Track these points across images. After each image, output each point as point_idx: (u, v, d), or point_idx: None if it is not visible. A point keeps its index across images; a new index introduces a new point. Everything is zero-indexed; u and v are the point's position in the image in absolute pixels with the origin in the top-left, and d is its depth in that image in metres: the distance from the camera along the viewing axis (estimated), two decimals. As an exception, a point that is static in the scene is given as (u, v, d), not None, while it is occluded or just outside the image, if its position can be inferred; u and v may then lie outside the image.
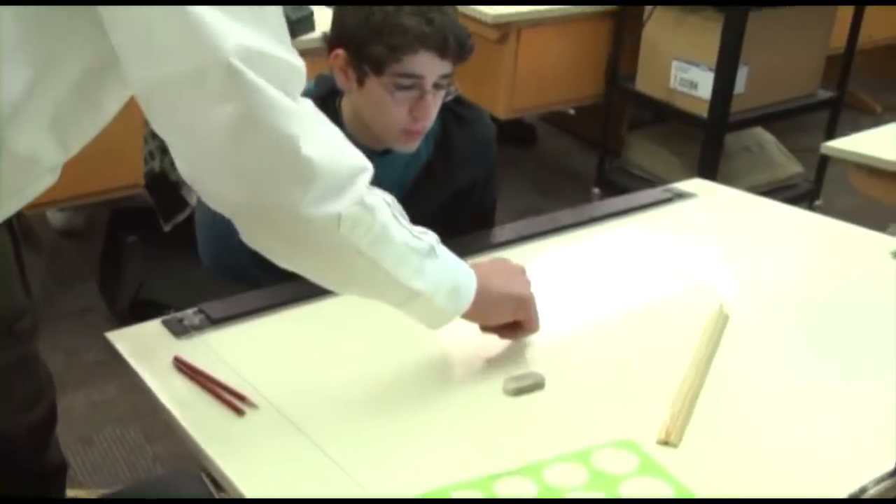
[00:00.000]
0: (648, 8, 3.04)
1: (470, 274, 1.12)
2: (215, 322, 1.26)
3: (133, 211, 2.63)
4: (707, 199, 1.71)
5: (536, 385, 1.10)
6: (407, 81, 1.42)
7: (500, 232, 1.60)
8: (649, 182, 3.29)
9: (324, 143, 0.95)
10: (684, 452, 0.98)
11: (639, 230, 1.58)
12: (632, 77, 3.22)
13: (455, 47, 1.43)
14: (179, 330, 1.25)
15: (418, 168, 1.60)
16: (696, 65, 2.97)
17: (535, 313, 1.17)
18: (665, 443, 0.98)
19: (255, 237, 1.00)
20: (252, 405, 1.08)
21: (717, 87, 2.90)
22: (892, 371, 1.15)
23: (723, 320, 1.23)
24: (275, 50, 0.90)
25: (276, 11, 0.93)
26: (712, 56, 2.90)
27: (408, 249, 1.03)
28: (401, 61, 1.41)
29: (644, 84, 3.19)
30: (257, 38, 0.89)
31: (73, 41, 0.94)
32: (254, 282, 1.48)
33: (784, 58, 3.07)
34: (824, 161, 3.34)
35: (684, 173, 3.28)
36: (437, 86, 1.46)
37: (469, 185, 1.66)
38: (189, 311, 1.28)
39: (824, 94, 3.28)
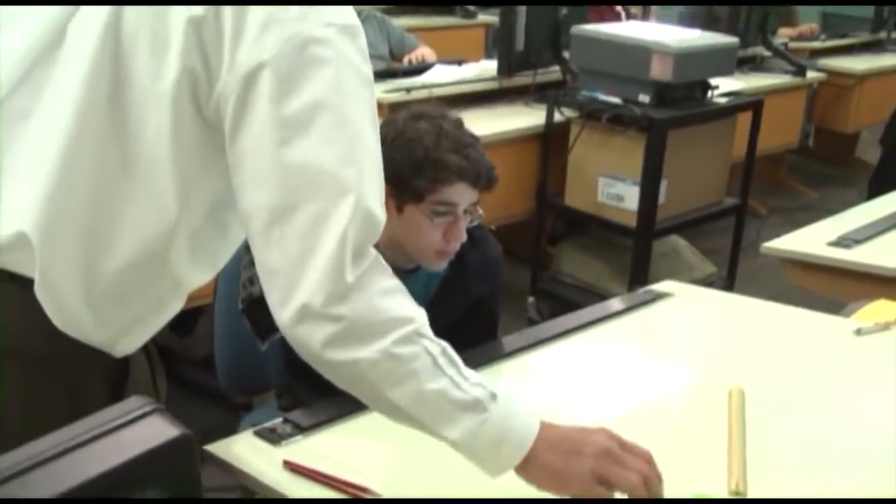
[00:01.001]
0: (575, 130, 3.36)
1: (527, 435, 1.09)
2: (305, 430, 1.42)
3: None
4: (683, 297, 1.96)
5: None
6: (443, 208, 1.64)
7: (511, 340, 1.78)
8: (581, 290, 3.57)
9: (366, 295, 1.04)
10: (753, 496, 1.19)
11: (639, 326, 1.81)
12: (560, 193, 3.52)
13: (485, 179, 1.66)
14: (275, 438, 1.39)
15: (438, 283, 1.81)
16: (622, 180, 3.29)
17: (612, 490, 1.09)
18: (736, 493, 1.19)
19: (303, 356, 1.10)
20: (375, 494, 1.23)
21: (644, 198, 3.22)
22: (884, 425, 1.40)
23: (741, 392, 1.45)
24: (375, 208, 1.06)
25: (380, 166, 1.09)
26: (637, 171, 3.22)
27: (441, 399, 1.06)
28: (439, 191, 1.63)
29: (572, 199, 3.49)
30: (366, 192, 1.05)
31: (213, 178, 1.12)
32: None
33: (696, 170, 3.43)
34: (735, 260, 3.71)
35: (613, 279, 3.58)
36: (467, 211, 1.68)
37: (479, 298, 1.86)
38: (277, 422, 1.44)
39: (730, 201, 3.66)
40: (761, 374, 1.56)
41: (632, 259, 3.32)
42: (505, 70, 3.59)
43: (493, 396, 1.08)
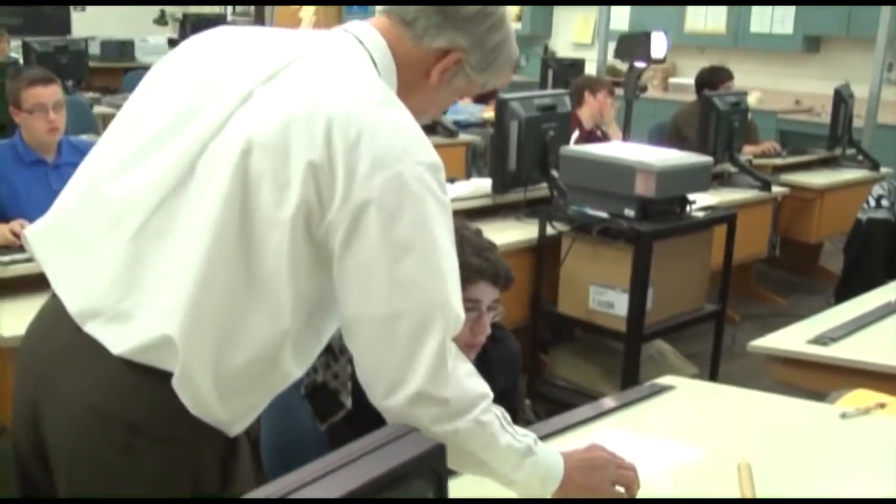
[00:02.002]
0: (566, 243, 3.64)
1: (559, 467, 1.46)
2: None
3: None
4: (683, 390, 2.20)
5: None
6: (469, 305, 1.88)
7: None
8: (576, 392, 3.80)
9: (458, 379, 1.33)
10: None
11: (650, 414, 2.04)
12: (553, 301, 3.78)
13: (504, 278, 1.91)
14: None
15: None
16: (612, 288, 3.56)
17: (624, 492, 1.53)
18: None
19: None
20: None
21: (633, 305, 3.48)
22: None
23: (748, 465, 1.68)
24: (457, 309, 1.33)
25: (458, 275, 1.36)
26: (625, 280, 3.49)
27: (510, 450, 1.39)
28: (465, 290, 1.87)
29: (565, 307, 3.74)
30: (450, 298, 1.32)
31: (315, 289, 1.36)
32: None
33: (679, 278, 3.71)
34: (716, 362, 3.97)
35: (604, 381, 3.82)
36: (489, 308, 1.92)
37: (503, 390, 2.09)
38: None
39: (710, 307, 3.94)
40: (763, 453, 1.78)
41: (623, 362, 3.56)
42: (499, 187, 3.90)
43: (535, 441, 1.44)
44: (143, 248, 1.34)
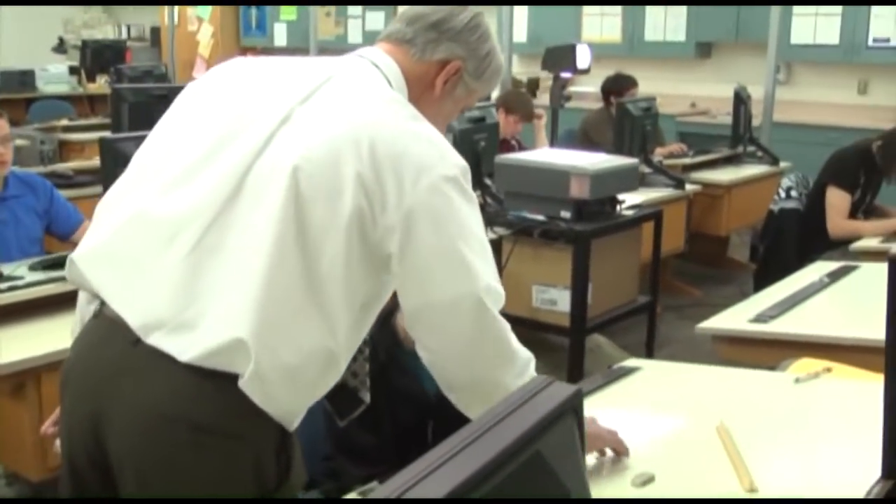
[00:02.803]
0: (507, 247, 3.84)
1: None
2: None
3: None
4: (650, 371, 2.40)
5: (651, 479, 1.70)
6: None
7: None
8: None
9: (517, 342, 1.57)
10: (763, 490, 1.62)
11: (625, 392, 2.24)
12: (496, 303, 3.96)
13: None
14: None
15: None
16: (554, 286, 3.78)
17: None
18: (751, 490, 1.61)
19: (460, 398, 1.58)
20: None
21: (575, 301, 3.71)
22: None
23: (726, 428, 1.89)
24: (499, 287, 1.52)
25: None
26: (566, 278, 3.71)
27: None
28: None
29: (509, 306, 3.91)
30: (493, 278, 1.51)
31: (367, 287, 1.52)
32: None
33: (614, 273, 3.95)
34: (650, 350, 4.23)
35: (549, 374, 4.02)
36: None
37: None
38: (373, 484, 1.79)
39: (643, 299, 4.19)
40: (735, 418, 1.99)
41: (569, 355, 3.78)
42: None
43: None
44: (200, 263, 1.46)
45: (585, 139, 6.02)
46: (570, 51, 5.06)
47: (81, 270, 1.57)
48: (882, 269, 3.38)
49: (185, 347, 1.44)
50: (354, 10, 10.64)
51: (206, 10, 11.48)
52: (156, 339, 1.46)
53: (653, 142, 5.45)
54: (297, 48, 10.52)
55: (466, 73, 1.66)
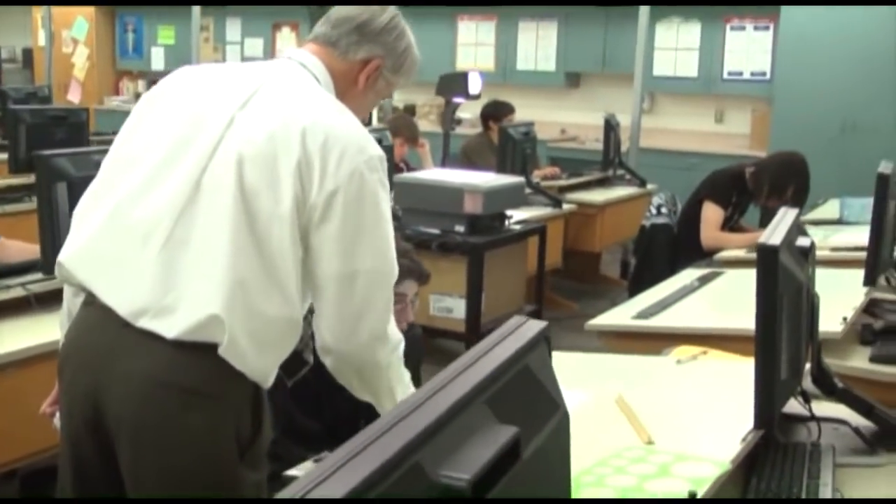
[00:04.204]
0: (407, 259, 4.11)
1: None
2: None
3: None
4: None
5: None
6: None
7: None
8: (420, 390, 4.25)
9: (393, 324, 1.83)
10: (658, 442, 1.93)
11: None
12: (395, 312, 4.22)
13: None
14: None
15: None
16: (450, 295, 4.06)
17: None
18: (649, 442, 1.92)
19: (335, 363, 1.82)
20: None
21: (470, 308, 4.00)
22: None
23: (622, 399, 2.20)
24: (395, 266, 1.80)
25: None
26: (461, 287, 4.01)
27: (406, 381, 1.91)
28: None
29: (408, 316, 4.20)
30: (393, 258, 1.78)
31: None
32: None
33: (504, 283, 4.26)
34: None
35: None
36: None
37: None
38: (325, 453, 2.02)
39: (529, 307, 4.52)
40: (631, 394, 2.31)
41: (465, 358, 4.05)
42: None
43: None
44: (172, 256, 1.69)
45: (466, 162, 6.35)
46: (462, 78, 5.39)
47: (70, 270, 1.77)
48: (743, 274, 3.81)
49: (170, 326, 1.66)
50: (233, 35, 10.78)
51: (81, 32, 11.39)
52: (144, 323, 1.68)
53: (532, 164, 5.83)
54: (176, 72, 10.57)
55: (386, 69, 1.91)
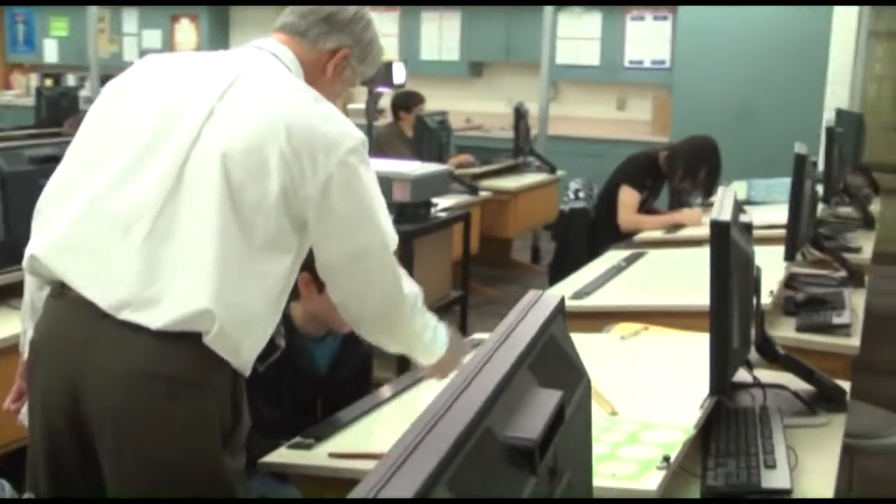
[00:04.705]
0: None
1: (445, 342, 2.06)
2: (321, 439, 2.06)
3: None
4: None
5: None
6: None
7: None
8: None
9: (408, 281, 1.92)
10: (622, 414, 2.03)
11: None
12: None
13: None
14: (307, 446, 2.02)
15: (341, 340, 2.50)
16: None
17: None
18: (613, 413, 2.03)
19: (368, 329, 1.91)
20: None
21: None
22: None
23: (581, 375, 2.30)
24: (394, 233, 1.87)
25: None
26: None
27: (431, 328, 2.01)
28: None
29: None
30: (391, 227, 1.86)
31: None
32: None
33: (432, 269, 4.34)
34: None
35: (382, 368, 4.35)
36: None
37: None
38: (297, 439, 2.06)
39: (455, 293, 4.61)
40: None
41: (398, 345, 4.12)
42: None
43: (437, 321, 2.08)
44: (154, 249, 1.70)
45: (378, 152, 6.39)
46: (387, 67, 5.43)
47: (44, 262, 1.75)
48: (665, 253, 3.97)
49: (154, 318, 1.67)
50: (130, 27, 10.54)
51: (-33, 24, 10.97)
52: (126, 315, 1.68)
53: (447, 152, 5.92)
54: (70, 65, 10.28)
55: (353, 59, 1.96)
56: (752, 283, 2.17)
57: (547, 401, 1.01)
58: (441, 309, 4.53)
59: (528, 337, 1.09)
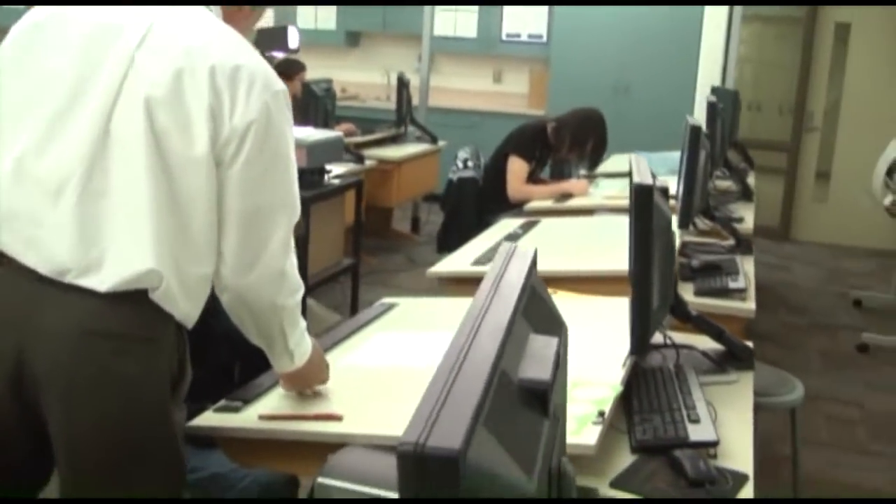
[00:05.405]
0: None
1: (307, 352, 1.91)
2: (249, 401, 2.02)
3: None
4: (406, 305, 2.80)
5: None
6: None
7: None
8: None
9: (293, 264, 1.83)
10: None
11: (402, 320, 2.62)
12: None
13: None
14: (234, 409, 1.99)
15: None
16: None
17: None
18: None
19: (237, 308, 1.80)
20: (338, 416, 1.90)
21: (299, 265, 4.01)
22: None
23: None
24: (299, 208, 1.81)
25: None
26: (287, 242, 4.01)
27: (301, 329, 1.88)
28: None
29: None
30: (297, 198, 1.79)
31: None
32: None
33: (326, 236, 4.30)
34: (354, 308, 4.63)
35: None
36: None
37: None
38: (223, 402, 2.02)
39: (347, 261, 4.58)
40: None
41: (292, 312, 4.07)
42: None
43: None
44: (90, 209, 1.62)
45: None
46: (282, 31, 5.31)
47: None
48: (557, 221, 4.05)
49: (101, 280, 1.61)
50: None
51: None
52: (70, 279, 1.62)
53: (333, 120, 5.86)
54: None
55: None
56: (671, 246, 2.25)
57: (547, 346, 1.04)
58: (333, 277, 4.52)
59: (517, 286, 1.11)
